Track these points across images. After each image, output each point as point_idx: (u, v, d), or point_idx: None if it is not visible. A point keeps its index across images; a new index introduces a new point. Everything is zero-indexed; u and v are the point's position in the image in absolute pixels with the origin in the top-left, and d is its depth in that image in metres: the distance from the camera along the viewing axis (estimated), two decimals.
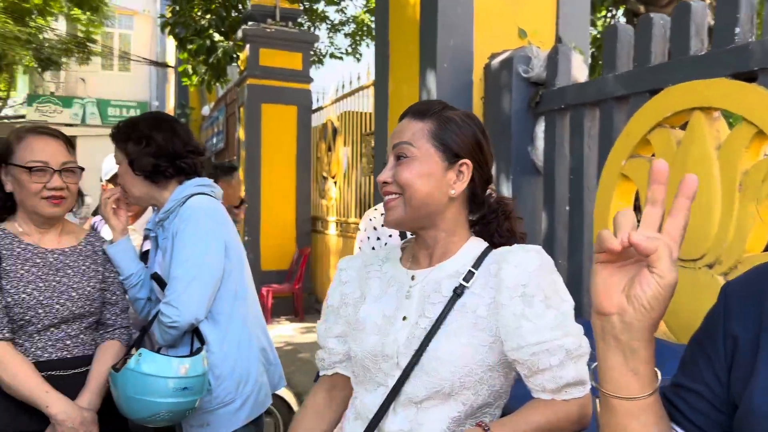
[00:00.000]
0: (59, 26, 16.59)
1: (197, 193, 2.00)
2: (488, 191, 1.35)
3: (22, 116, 20.05)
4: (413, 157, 1.24)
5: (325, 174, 8.03)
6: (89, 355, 1.90)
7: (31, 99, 19.29)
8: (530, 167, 2.99)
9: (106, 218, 2.09)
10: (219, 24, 8.03)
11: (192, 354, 1.87)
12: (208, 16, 8.16)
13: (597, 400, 0.83)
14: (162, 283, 1.97)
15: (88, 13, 14.35)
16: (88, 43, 16.38)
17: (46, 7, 13.49)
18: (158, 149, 1.99)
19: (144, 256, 2.20)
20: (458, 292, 1.22)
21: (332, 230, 7.73)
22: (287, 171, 7.98)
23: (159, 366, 1.76)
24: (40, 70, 17.77)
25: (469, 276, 1.23)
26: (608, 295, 0.76)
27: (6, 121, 19.58)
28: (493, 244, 1.31)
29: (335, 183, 7.71)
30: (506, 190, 2.97)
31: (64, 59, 16.83)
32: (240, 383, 1.98)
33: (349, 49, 12.75)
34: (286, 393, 3.67)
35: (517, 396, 1.26)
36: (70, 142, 1.96)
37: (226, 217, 2.06)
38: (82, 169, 1.95)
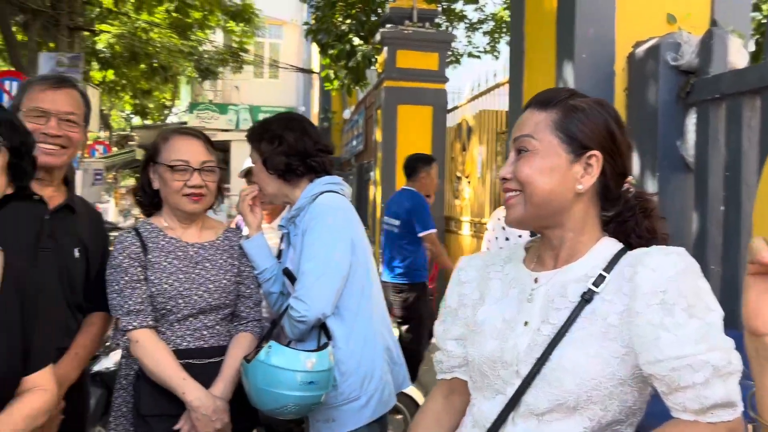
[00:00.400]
0: (216, 38, 17.89)
1: (327, 191, 2.05)
2: (625, 186, 1.23)
3: (185, 123, 21.86)
4: (534, 151, 1.16)
5: (459, 174, 7.96)
6: (224, 346, 1.98)
7: (192, 107, 20.98)
8: (679, 163, 2.74)
9: (243, 214, 2.19)
10: (359, 28, 8.23)
11: (319, 349, 1.90)
12: (349, 21, 8.39)
13: (751, 427, 0.71)
14: (292, 278, 2.03)
15: (241, 24, 15.33)
16: (241, 53, 17.50)
17: (205, 21, 14.59)
18: (289, 148, 2.06)
19: (281, 253, 2.28)
20: (586, 298, 1.12)
21: (466, 230, 7.64)
22: None
23: (287, 359, 1.81)
24: (200, 79, 19.31)
25: (599, 280, 1.13)
26: (760, 313, 0.65)
27: (171, 127, 21.46)
28: (630, 246, 1.19)
29: (469, 183, 7.62)
30: (651, 188, 2.74)
31: (220, 69, 18.14)
32: (365, 380, 1.98)
33: (488, 48, 12.55)
34: (414, 392, 3.66)
35: (654, 413, 1.13)
36: (210, 142, 2.07)
37: (354, 214, 2.10)
38: (222, 168, 2.06)
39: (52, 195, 1.93)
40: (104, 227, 2.23)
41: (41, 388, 1.38)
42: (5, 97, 7.34)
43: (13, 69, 9.72)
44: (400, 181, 8.00)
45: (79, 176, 10.11)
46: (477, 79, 7.39)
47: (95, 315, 2.05)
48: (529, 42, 3.52)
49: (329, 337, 1.95)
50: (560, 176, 1.15)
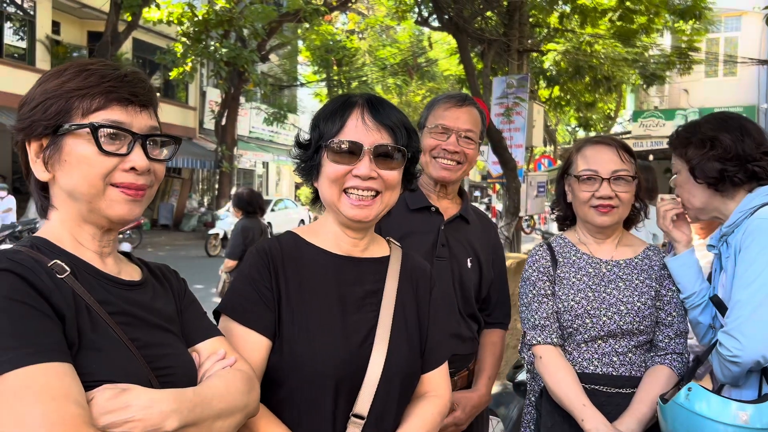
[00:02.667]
0: (663, 41, 16.97)
1: None
2: None
3: (628, 132, 21.35)
4: None
5: None
6: (637, 377, 1.79)
7: (636, 115, 20.33)
8: None
9: (666, 231, 1.94)
10: None
11: (760, 400, 1.55)
12: None
13: None
14: (723, 308, 1.71)
15: (691, 21, 14.19)
16: (690, 53, 16.22)
17: (651, 25, 13.97)
18: (725, 152, 1.75)
19: (711, 276, 1.95)
20: None
21: None
22: None
23: (712, 407, 1.53)
24: (645, 86, 18.59)
25: None
26: None
27: (616, 137, 21.19)
28: None
29: None
30: None
31: (667, 72, 17.14)
32: None
33: None
34: None
35: None
36: (628, 150, 1.89)
37: None
38: (635, 177, 1.85)
39: (447, 207, 2.05)
40: (499, 239, 2.24)
41: (435, 395, 1.44)
42: None
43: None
44: None
45: (523, 189, 10.76)
46: None
47: (496, 333, 2.09)
48: None
49: None
50: None
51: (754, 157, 1.74)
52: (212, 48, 16.26)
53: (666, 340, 1.81)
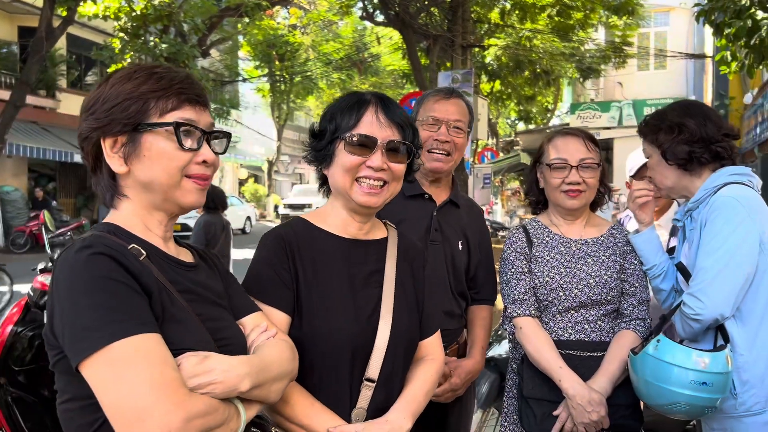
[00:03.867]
0: (598, 36, 17.62)
1: (731, 182, 1.89)
2: None
3: (566, 124, 22.06)
4: None
5: None
6: (606, 342, 1.99)
7: (574, 107, 21.05)
8: None
9: (634, 212, 2.14)
10: (763, 0, 7.17)
11: (714, 350, 1.77)
12: None
13: None
14: (686, 274, 1.92)
15: (624, 17, 14.83)
16: (624, 47, 16.90)
17: (587, 20, 14.52)
18: (691, 135, 1.94)
19: (670, 252, 2.18)
20: None
21: None
22: None
23: (677, 355, 1.73)
24: (581, 79, 19.28)
25: None
26: None
27: (553, 130, 21.92)
28: None
29: None
30: None
31: (602, 66, 17.82)
32: None
33: None
34: None
35: None
36: (593, 140, 2.08)
37: (764, 208, 1.88)
38: (599, 165, 2.05)
39: (439, 193, 2.22)
40: (485, 223, 2.43)
41: (432, 358, 1.60)
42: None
43: (417, 90, 11.22)
44: None
45: (470, 181, 11.08)
46: None
47: (484, 309, 2.27)
48: None
49: (726, 340, 1.80)
50: None
51: (716, 138, 1.93)
52: (151, 43, 15.91)
53: (630, 308, 2.02)
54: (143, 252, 1.14)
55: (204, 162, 1.20)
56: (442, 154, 2.14)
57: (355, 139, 1.45)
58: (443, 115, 2.15)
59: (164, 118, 1.16)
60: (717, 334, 1.82)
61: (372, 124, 1.46)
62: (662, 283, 2.04)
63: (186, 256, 1.30)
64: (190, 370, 1.06)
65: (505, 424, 2.12)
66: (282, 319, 1.43)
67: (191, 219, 12.42)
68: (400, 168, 1.50)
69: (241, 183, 32.95)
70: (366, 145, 1.45)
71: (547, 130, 18.71)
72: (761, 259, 1.80)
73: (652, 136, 2.02)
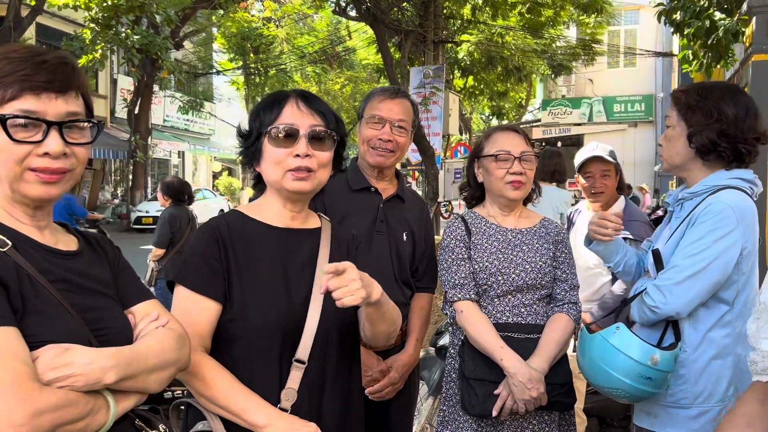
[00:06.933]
0: (569, 33, 17.86)
1: (733, 186, 1.86)
2: None
3: (538, 120, 22.33)
4: None
5: None
6: (541, 325, 2.11)
7: (545, 104, 21.34)
8: None
9: (591, 233, 2.12)
10: (721, 1, 7.39)
11: (669, 348, 1.83)
12: None
13: None
14: (660, 264, 1.94)
15: (593, 15, 15.05)
16: (594, 45, 17.14)
17: (557, 18, 14.72)
18: (725, 127, 1.84)
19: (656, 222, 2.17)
20: None
21: None
22: None
23: (632, 347, 1.78)
24: (553, 76, 19.53)
25: None
26: None
27: (526, 125, 22.22)
28: None
29: None
30: None
31: (573, 63, 18.08)
32: (702, 395, 1.84)
33: None
34: None
35: None
36: (527, 136, 2.22)
37: (755, 221, 1.88)
38: (537, 157, 2.18)
39: (385, 187, 2.32)
40: (429, 217, 2.54)
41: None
42: None
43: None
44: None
45: (441, 176, 11.21)
46: None
47: (423, 297, 2.38)
48: None
49: (678, 337, 1.87)
50: None
51: (746, 139, 1.85)
52: (123, 34, 15.75)
53: (563, 293, 2.14)
54: (8, 242, 1.11)
55: (47, 154, 1.12)
56: (385, 150, 2.24)
57: (277, 130, 1.52)
58: (387, 114, 2.24)
59: (2, 109, 1.10)
60: (667, 328, 1.89)
61: (293, 115, 1.53)
62: (625, 277, 2.12)
63: (68, 243, 1.26)
64: (47, 363, 1.04)
65: (444, 408, 2.22)
66: (212, 306, 1.49)
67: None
68: (324, 156, 1.55)
69: (215, 176, 32.76)
70: (290, 134, 1.52)
71: (521, 126, 18.91)
72: (735, 271, 1.84)
73: (687, 111, 1.90)
